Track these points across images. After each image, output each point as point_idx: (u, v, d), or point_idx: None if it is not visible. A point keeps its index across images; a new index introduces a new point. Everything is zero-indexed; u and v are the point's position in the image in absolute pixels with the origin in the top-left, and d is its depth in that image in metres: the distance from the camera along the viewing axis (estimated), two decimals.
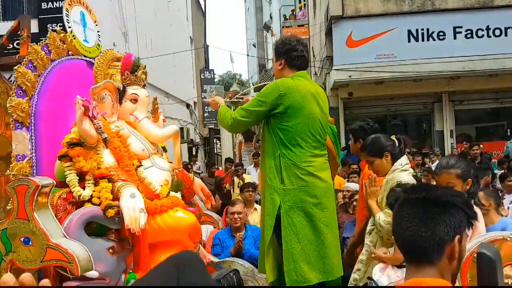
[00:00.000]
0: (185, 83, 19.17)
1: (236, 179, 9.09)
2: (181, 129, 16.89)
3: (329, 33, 10.99)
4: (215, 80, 16.97)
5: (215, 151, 18.89)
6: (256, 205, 5.43)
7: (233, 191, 8.62)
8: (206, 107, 14.32)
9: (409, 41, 10.63)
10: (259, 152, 11.04)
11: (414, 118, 12.91)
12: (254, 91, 19.54)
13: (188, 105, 19.37)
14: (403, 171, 2.65)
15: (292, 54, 2.78)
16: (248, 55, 24.28)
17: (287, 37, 2.92)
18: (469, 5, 10.41)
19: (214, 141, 18.42)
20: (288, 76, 2.76)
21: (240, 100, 3.15)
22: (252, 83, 26.11)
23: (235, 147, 14.28)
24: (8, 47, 3.09)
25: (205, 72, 14.49)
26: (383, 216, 2.64)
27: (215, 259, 3.38)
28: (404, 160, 2.73)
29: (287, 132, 2.65)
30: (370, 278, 2.46)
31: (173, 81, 16.57)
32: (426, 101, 12.19)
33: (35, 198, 1.97)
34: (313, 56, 13.57)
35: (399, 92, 11.23)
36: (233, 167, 9.88)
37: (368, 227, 2.89)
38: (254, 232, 4.03)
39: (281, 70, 2.82)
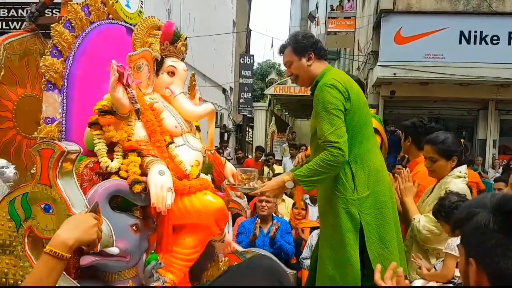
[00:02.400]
0: (223, 68, 19.08)
1: (266, 168, 8.97)
2: (215, 113, 16.78)
3: (377, 27, 10.61)
4: (254, 67, 16.75)
5: (247, 139, 18.78)
6: (284, 196, 5.27)
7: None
8: (243, 93, 14.16)
9: (460, 42, 10.15)
10: (295, 144, 10.96)
11: (456, 124, 12.40)
12: (292, 82, 19.31)
13: (224, 90, 19.29)
14: (458, 178, 2.42)
15: (318, 45, 2.57)
16: None
17: (304, 32, 2.73)
18: None
19: (247, 129, 18.31)
20: (318, 71, 2.54)
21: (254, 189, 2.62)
22: None
23: (267, 137, 14.11)
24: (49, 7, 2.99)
25: (245, 57, 14.27)
26: (424, 221, 2.42)
27: (240, 248, 3.24)
28: (464, 168, 2.51)
29: (351, 130, 2.39)
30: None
31: (211, 64, 16.49)
32: (471, 107, 11.67)
33: (59, 164, 1.85)
34: (358, 50, 13.17)
35: (444, 95, 10.77)
36: (263, 156, 9.77)
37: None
38: (281, 225, 3.87)
39: (310, 65, 2.56)
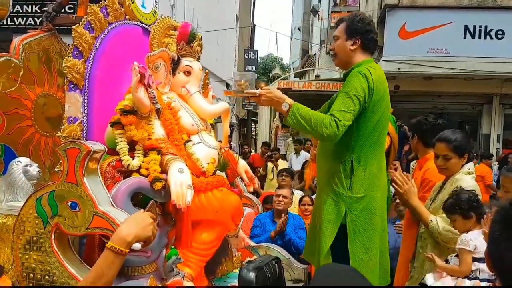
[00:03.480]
0: (226, 62, 19.08)
1: (269, 164, 9.00)
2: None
3: (381, 22, 10.60)
4: (258, 61, 16.75)
5: (251, 134, 18.83)
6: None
7: (267, 176, 8.52)
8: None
9: (464, 37, 10.14)
10: (300, 139, 10.87)
11: (460, 118, 12.42)
12: (295, 77, 19.24)
13: (227, 85, 19.31)
14: (468, 174, 2.47)
15: (370, 36, 2.49)
16: (291, 38, 23.79)
17: (364, 16, 2.58)
18: None
19: (251, 124, 18.35)
20: (358, 60, 2.48)
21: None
22: (293, 68, 25.71)
23: (271, 132, 14.14)
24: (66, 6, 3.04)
25: (250, 52, 14.26)
26: (442, 222, 2.46)
27: (252, 243, 3.31)
28: (472, 165, 2.57)
29: (366, 131, 2.38)
30: (423, 285, 2.30)
31: (215, 59, 16.48)
32: (475, 102, 11.69)
33: (85, 163, 1.91)
34: None
35: (448, 89, 10.80)
36: (269, 152, 9.79)
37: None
38: (295, 221, 3.94)
39: (353, 51, 2.49)
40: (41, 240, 1.96)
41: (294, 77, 19.25)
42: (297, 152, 9.59)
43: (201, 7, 14.60)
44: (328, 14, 16.67)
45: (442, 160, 2.59)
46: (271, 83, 15.75)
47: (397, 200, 3.68)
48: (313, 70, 17.86)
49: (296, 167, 8.80)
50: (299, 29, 25.85)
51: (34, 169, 2.36)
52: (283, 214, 3.84)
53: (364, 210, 2.40)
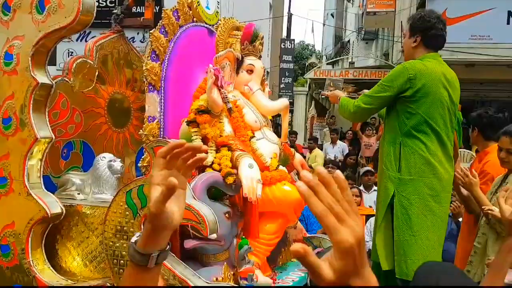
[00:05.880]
0: None
1: (308, 154, 8.96)
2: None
3: (421, 8, 10.41)
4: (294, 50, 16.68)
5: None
6: None
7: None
8: (283, 78, 14.17)
9: (508, 23, 9.84)
10: (336, 129, 10.73)
11: (502, 106, 12.09)
12: (327, 64, 19.13)
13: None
14: None
15: (430, 33, 2.62)
16: (324, 24, 23.51)
17: (426, 13, 2.72)
18: None
19: None
20: (420, 55, 2.63)
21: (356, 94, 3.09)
22: (326, 56, 25.48)
23: (307, 121, 14.17)
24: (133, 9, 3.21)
25: (286, 41, 14.21)
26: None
27: (307, 235, 3.44)
28: None
29: (414, 117, 2.53)
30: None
31: None
32: None
33: None
34: (401, 31, 12.97)
35: (490, 77, 10.53)
36: (298, 139, 9.54)
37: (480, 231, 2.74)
38: None
39: (415, 47, 2.66)
40: (131, 229, 2.15)
41: (327, 64, 19.14)
42: (333, 142, 9.31)
43: None
44: (364, 0, 16.38)
45: (505, 153, 2.62)
46: (307, 71, 15.73)
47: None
48: (347, 57, 17.69)
49: (332, 157, 8.74)
50: (332, 15, 25.50)
51: (117, 164, 2.56)
52: None
53: (414, 193, 2.52)
